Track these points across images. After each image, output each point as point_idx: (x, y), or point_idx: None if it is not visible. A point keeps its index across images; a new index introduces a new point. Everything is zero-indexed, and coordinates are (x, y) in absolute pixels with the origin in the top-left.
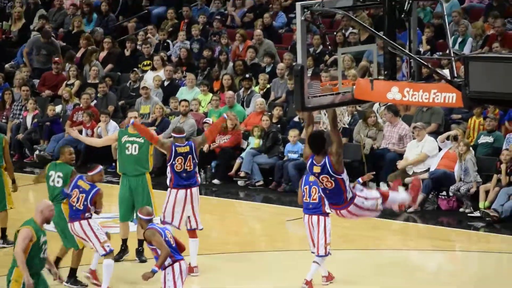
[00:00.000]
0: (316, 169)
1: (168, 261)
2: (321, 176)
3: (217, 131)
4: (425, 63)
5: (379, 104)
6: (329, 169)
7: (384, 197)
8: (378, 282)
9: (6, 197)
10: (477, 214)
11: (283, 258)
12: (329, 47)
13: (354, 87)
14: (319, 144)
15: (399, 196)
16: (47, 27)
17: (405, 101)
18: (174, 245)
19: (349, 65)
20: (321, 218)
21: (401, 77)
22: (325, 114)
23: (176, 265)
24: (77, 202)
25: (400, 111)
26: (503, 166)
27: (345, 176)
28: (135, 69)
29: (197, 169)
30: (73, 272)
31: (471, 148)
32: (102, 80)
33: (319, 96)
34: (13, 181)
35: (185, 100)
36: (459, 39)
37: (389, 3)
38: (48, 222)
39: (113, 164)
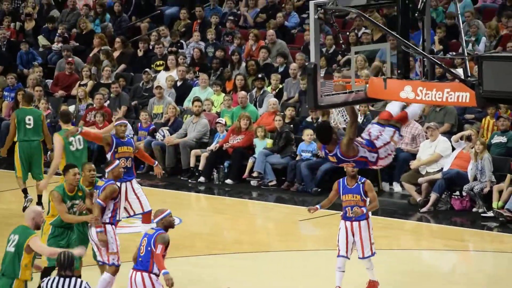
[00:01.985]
0: (332, 159)
1: None
2: (340, 164)
3: (144, 159)
4: (439, 63)
5: None
6: (342, 158)
7: (403, 120)
8: (391, 282)
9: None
10: (490, 214)
11: (296, 258)
12: (343, 46)
13: (367, 85)
14: (325, 134)
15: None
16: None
17: (418, 100)
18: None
19: (362, 65)
20: (363, 222)
21: (414, 76)
22: (339, 113)
23: None
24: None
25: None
26: None
27: (361, 152)
28: (147, 69)
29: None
30: None
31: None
32: (115, 81)
33: (332, 94)
34: (51, 150)
35: (198, 100)
36: (472, 39)
37: (403, 2)
38: (38, 228)
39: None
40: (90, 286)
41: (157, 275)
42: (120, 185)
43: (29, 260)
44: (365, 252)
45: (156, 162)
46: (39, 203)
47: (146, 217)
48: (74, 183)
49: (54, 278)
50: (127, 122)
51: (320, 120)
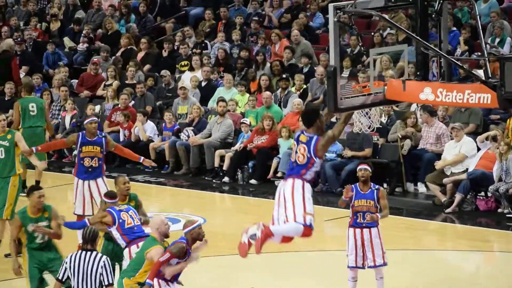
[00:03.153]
0: (303, 138)
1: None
2: (302, 145)
3: (126, 155)
4: (458, 63)
5: (417, 105)
6: (312, 147)
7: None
8: (415, 283)
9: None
10: None
11: (321, 258)
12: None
13: (386, 87)
14: (310, 118)
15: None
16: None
17: (438, 101)
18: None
19: (387, 66)
20: (374, 229)
21: (432, 77)
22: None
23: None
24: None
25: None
26: None
27: (318, 163)
28: (164, 72)
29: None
30: None
31: None
32: (141, 81)
33: (351, 97)
34: (53, 137)
35: (222, 100)
36: (497, 40)
37: (421, 3)
38: (167, 237)
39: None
40: (109, 262)
41: (167, 281)
42: (83, 182)
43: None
44: (376, 260)
45: (142, 158)
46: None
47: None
48: (39, 206)
49: (77, 252)
50: (96, 119)
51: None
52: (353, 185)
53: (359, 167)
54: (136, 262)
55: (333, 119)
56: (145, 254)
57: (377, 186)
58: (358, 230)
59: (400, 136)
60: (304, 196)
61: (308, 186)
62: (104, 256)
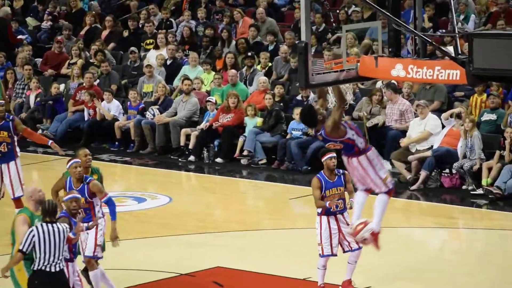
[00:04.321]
0: (320, 138)
1: None
2: (327, 144)
3: (35, 139)
4: (430, 40)
5: (382, 82)
6: (327, 138)
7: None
8: (381, 260)
9: None
10: (480, 191)
11: (287, 236)
12: (333, 24)
13: (358, 64)
14: (310, 118)
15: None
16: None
17: (409, 78)
18: None
19: (351, 43)
20: (346, 214)
21: (405, 54)
22: (331, 93)
23: None
24: None
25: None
26: (507, 143)
27: (349, 134)
28: (133, 48)
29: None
30: None
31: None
32: (105, 59)
33: (323, 73)
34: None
35: (187, 78)
36: (461, 17)
37: None
38: (41, 203)
39: (116, 143)
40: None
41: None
42: None
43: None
44: (352, 244)
45: (51, 141)
46: None
47: (16, 202)
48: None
49: (41, 224)
50: (3, 101)
51: (311, 102)
52: (319, 176)
53: (328, 155)
54: (12, 237)
55: None
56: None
57: (341, 171)
58: (332, 217)
59: (366, 114)
60: (373, 166)
61: (370, 155)
62: (67, 226)
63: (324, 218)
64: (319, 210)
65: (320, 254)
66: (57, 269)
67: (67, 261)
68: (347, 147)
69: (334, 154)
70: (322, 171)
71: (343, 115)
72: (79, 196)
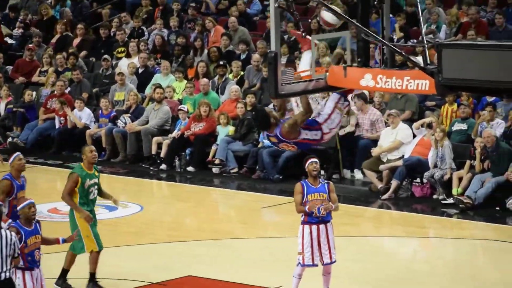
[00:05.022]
0: (273, 139)
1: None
2: (280, 144)
3: None
4: (398, 50)
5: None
6: (282, 138)
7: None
8: (352, 268)
9: None
10: (450, 201)
11: (259, 245)
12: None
13: (328, 74)
14: (264, 122)
15: None
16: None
17: (378, 87)
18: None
19: (323, 53)
20: (329, 224)
21: (374, 64)
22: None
23: None
24: None
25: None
26: (477, 153)
27: (302, 135)
28: (106, 56)
29: None
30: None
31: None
32: (76, 67)
33: (292, 83)
34: None
35: (159, 87)
36: (433, 27)
37: None
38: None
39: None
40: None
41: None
42: None
43: None
44: (333, 256)
45: None
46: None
47: None
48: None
49: None
50: None
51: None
52: (302, 182)
53: (310, 160)
54: None
55: None
56: None
57: (326, 180)
58: (314, 227)
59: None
60: None
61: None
62: (13, 234)
63: (307, 227)
64: (302, 218)
65: (300, 263)
66: (2, 277)
67: (24, 270)
68: (304, 146)
69: (316, 159)
70: (307, 178)
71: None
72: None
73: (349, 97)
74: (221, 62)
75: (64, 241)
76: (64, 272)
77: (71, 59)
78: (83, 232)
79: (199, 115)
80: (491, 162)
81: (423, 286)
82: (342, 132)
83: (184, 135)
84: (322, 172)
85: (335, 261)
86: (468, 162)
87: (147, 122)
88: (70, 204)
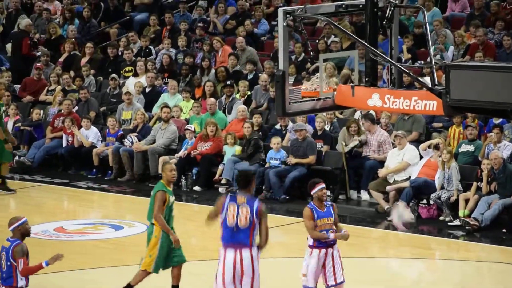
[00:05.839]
0: (241, 200)
1: None
2: (243, 208)
3: None
4: (406, 71)
5: (361, 112)
6: (255, 211)
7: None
8: None
9: None
10: (457, 222)
11: (264, 265)
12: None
13: (335, 93)
14: (246, 182)
15: None
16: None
17: (386, 108)
18: None
19: (331, 73)
20: (336, 246)
21: (382, 84)
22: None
23: None
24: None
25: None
26: (484, 174)
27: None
28: (114, 75)
29: None
30: None
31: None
32: (83, 86)
33: (300, 102)
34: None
35: (167, 106)
36: (441, 47)
37: (372, 10)
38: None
39: (94, 170)
40: None
41: None
42: None
43: None
44: (337, 278)
45: None
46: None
47: None
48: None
49: None
50: None
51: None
52: (310, 206)
53: (320, 186)
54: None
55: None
56: None
57: (329, 202)
58: (323, 250)
59: (344, 143)
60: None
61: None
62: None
63: (316, 250)
64: (311, 242)
65: (304, 285)
66: None
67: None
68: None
69: (324, 185)
70: (311, 201)
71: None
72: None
73: (358, 116)
74: (228, 82)
75: (47, 263)
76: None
77: (78, 80)
78: (150, 251)
79: (206, 134)
80: (498, 184)
81: None
82: (346, 149)
83: (190, 155)
84: (329, 192)
85: (341, 282)
86: (474, 184)
87: (154, 142)
88: (162, 225)
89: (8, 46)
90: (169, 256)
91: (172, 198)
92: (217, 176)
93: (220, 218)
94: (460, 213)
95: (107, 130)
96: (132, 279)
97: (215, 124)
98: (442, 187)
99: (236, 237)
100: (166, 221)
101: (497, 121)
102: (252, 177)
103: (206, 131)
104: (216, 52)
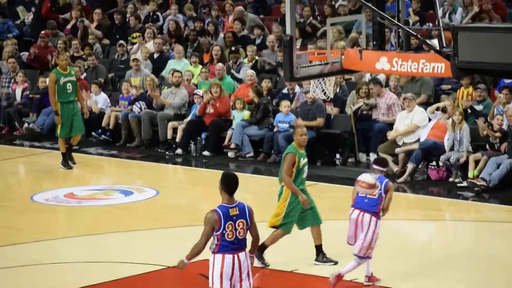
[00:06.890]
0: (233, 212)
1: None
2: (239, 221)
3: None
4: (414, 33)
5: (370, 75)
6: (249, 220)
7: None
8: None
9: None
10: (466, 184)
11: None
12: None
13: (343, 57)
14: (234, 184)
15: None
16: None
17: (394, 71)
18: None
19: (337, 37)
20: (373, 218)
21: (390, 47)
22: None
23: None
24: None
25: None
26: (494, 123)
27: None
28: (121, 41)
29: None
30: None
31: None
32: (92, 53)
33: (308, 66)
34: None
35: (177, 71)
36: (450, 8)
37: None
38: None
39: (108, 133)
40: None
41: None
42: None
43: None
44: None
45: None
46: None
47: None
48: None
49: None
50: None
51: (298, 95)
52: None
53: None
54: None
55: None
56: None
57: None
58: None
59: (352, 107)
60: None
61: None
62: None
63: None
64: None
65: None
66: None
67: None
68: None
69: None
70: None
71: None
72: None
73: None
74: (233, 48)
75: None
76: (318, 248)
77: (87, 49)
78: (278, 210)
79: (211, 98)
80: (508, 144)
81: (440, 269)
82: (354, 108)
83: (200, 119)
84: (338, 156)
85: (362, 257)
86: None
87: (163, 108)
88: (290, 187)
89: (19, 10)
90: (303, 217)
91: (303, 161)
92: (226, 141)
93: (216, 232)
94: (470, 174)
95: (120, 95)
96: (267, 239)
97: (219, 85)
98: (451, 149)
99: (235, 246)
100: (294, 182)
101: (507, 81)
102: (236, 183)
103: (211, 93)
104: (227, 15)
